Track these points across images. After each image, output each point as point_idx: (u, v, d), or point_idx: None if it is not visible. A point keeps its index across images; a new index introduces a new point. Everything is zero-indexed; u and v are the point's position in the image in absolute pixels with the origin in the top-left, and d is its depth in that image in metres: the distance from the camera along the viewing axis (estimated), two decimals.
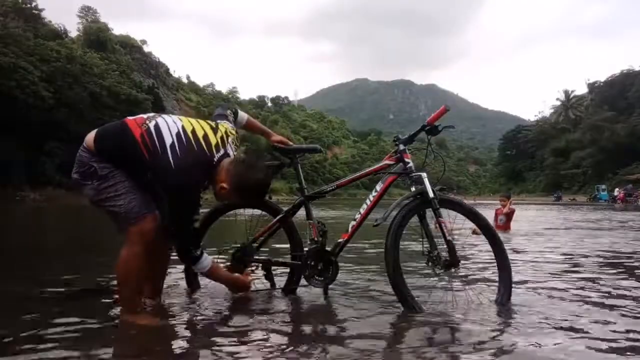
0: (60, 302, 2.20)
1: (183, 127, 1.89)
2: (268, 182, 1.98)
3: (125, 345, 1.67)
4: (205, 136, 1.91)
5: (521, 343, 1.66)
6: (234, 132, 2.09)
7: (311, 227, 2.28)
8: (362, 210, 2.23)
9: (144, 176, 1.90)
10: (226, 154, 1.95)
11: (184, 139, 1.85)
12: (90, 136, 1.88)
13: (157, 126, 1.87)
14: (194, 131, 1.90)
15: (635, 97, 53.14)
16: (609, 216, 12.70)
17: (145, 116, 1.94)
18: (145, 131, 1.84)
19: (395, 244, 2.07)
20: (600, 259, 4.05)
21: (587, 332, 1.82)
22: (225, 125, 2.06)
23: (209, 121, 2.05)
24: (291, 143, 2.41)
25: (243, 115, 2.37)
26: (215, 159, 1.90)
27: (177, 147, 1.82)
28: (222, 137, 1.97)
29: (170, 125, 1.89)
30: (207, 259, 2.00)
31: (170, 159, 1.79)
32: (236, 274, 2.22)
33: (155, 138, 1.83)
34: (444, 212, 2.12)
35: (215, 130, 1.98)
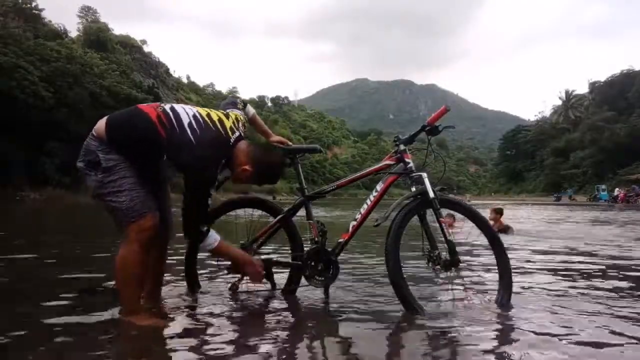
0: (60, 302, 2.19)
1: (198, 111, 1.98)
2: (284, 163, 2.15)
3: (125, 346, 1.67)
4: (220, 120, 1.99)
5: (521, 343, 1.66)
6: (242, 118, 2.17)
7: (311, 227, 2.28)
8: (362, 210, 2.23)
9: (157, 161, 1.91)
10: (240, 137, 2.03)
11: (200, 120, 1.92)
12: (101, 123, 1.88)
13: (172, 108, 1.94)
14: (209, 115, 1.98)
15: (635, 97, 53.05)
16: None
17: (158, 103, 2.00)
18: (161, 112, 1.90)
19: (395, 244, 2.07)
20: (602, 257, 4.04)
21: (587, 332, 1.82)
22: (235, 112, 2.14)
23: (220, 110, 2.13)
24: (290, 143, 2.41)
25: (250, 109, 2.44)
26: (231, 140, 1.96)
27: (195, 126, 1.88)
28: (234, 122, 2.05)
29: (186, 108, 1.98)
30: (214, 236, 2.00)
31: (190, 135, 1.85)
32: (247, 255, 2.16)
33: (173, 117, 1.89)
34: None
35: (227, 116, 2.06)
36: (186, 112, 1.93)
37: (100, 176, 1.83)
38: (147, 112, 1.89)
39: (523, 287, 2.66)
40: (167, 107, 1.94)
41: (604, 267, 3.60)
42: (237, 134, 2.01)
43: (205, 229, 1.96)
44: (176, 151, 1.84)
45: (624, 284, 2.88)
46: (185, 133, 1.85)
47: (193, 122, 1.89)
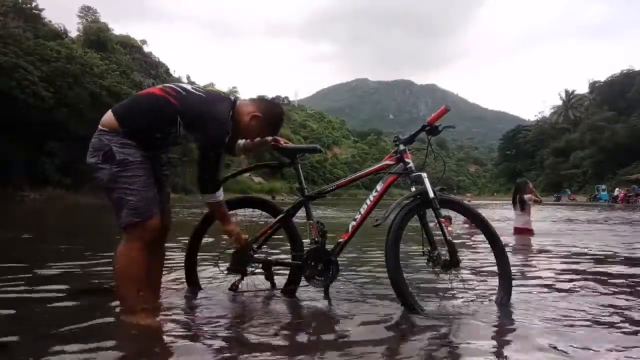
0: (60, 303, 2.20)
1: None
2: (284, 112, 2.29)
3: (125, 346, 1.67)
4: (215, 90, 2.17)
5: (521, 344, 1.66)
6: None
7: (311, 227, 2.28)
8: (362, 210, 2.23)
9: (170, 136, 1.97)
10: (238, 98, 2.16)
11: (199, 86, 2.07)
12: (109, 115, 1.94)
13: (172, 83, 2.07)
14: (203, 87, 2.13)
15: (635, 97, 52.98)
16: None
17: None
18: (163, 86, 2.02)
19: (395, 244, 2.07)
20: (600, 257, 4.04)
21: (587, 332, 1.82)
22: None
23: None
24: (282, 141, 2.39)
25: None
26: (232, 99, 2.11)
27: (197, 89, 2.03)
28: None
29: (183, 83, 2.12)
30: (221, 193, 2.09)
31: (199, 93, 2.00)
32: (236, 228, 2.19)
33: (176, 86, 2.02)
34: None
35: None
36: (185, 84, 2.09)
37: (115, 169, 1.86)
38: (149, 91, 2.01)
39: (523, 287, 2.65)
40: (166, 84, 2.07)
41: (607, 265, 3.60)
42: (233, 97, 2.15)
43: (219, 182, 2.05)
44: (190, 110, 1.93)
45: None
46: (193, 93, 1.99)
47: (195, 87, 2.06)
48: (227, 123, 1.96)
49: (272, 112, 2.16)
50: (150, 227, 1.88)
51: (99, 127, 1.92)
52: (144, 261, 1.88)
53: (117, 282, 1.93)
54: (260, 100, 2.20)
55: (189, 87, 2.04)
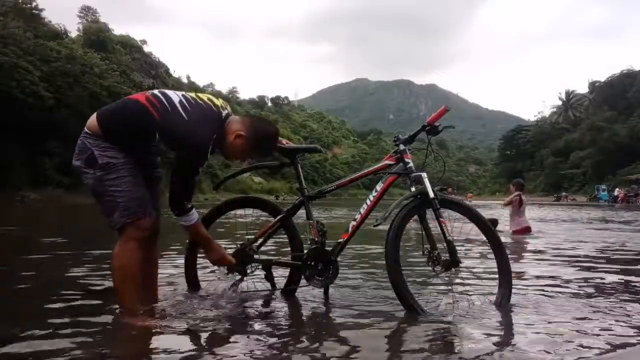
0: (59, 304, 2.19)
1: (186, 93, 2.02)
2: (278, 133, 2.12)
3: (124, 347, 1.67)
4: (210, 99, 2.04)
5: (521, 345, 1.66)
6: (229, 107, 2.19)
7: (311, 227, 2.28)
8: (362, 210, 2.23)
9: (151, 145, 1.93)
10: (230, 114, 2.06)
11: (190, 98, 1.96)
12: (92, 119, 1.90)
13: (161, 91, 1.97)
14: (197, 95, 2.03)
15: (635, 97, 52.98)
16: None
17: (145, 91, 2.04)
18: (150, 95, 1.93)
19: (395, 244, 2.07)
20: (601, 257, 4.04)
21: (587, 332, 1.81)
22: (222, 100, 2.18)
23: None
24: (283, 141, 2.39)
25: None
26: (223, 115, 2.01)
27: (185, 104, 1.91)
28: (223, 103, 2.09)
29: (173, 91, 2.00)
30: (195, 214, 1.98)
31: (182, 113, 1.88)
32: (216, 244, 2.11)
33: (162, 98, 1.91)
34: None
35: (215, 97, 2.11)
36: (175, 93, 1.98)
37: (99, 174, 1.84)
38: (136, 98, 1.93)
39: (523, 287, 2.65)
40: (156, 90, 1.98)
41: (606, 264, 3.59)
42: (226, 111, 2.05)
43: (189, 205, 1.95)
44: (170, 130, 1.86)
45: None
46: (177, 110, 1.87)
47: (183, 100, 1.93)
48: (206, 149, 1.86)
49: (260, 131, 2.01)
50: (142, 226, 1.87)
51: (84, 129, 1.90)
52: (139, 261, 1.88)
53: (115, 284, 1.92)
54: (251, 119, 2.09)
55: (177, 100, 1.91)
